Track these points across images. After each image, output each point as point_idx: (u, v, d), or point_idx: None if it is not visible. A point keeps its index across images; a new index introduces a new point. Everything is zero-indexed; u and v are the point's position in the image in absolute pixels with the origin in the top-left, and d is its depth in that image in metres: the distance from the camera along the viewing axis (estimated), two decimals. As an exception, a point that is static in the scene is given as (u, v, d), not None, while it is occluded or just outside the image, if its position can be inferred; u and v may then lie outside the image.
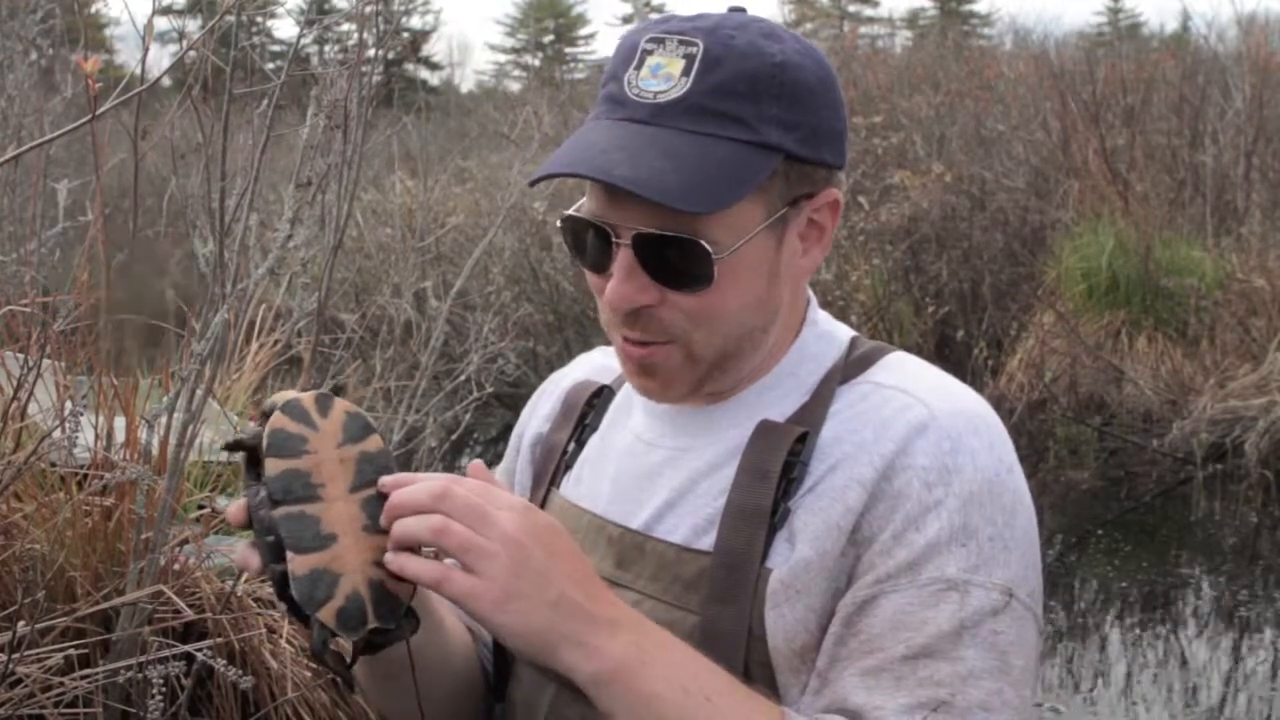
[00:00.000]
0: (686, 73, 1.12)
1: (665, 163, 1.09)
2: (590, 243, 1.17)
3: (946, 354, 8.91)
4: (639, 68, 1.14)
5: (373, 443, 1.07)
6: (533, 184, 1.21)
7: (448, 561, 1.04)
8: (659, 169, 1.09)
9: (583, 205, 1.18)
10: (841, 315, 8.10)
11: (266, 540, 1.04)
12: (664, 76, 1.13)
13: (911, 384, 1.18)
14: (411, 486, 1.04)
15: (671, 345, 1.17)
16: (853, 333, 1.27)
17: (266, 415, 1.09)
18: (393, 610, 1.05)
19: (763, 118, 1.12)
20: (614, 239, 1.14)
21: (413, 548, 1.03)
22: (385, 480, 1.05)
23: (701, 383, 1.20)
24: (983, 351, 8.65)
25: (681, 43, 1.13)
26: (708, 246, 1.11)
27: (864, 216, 9.11)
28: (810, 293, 1.27)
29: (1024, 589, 1.11)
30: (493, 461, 1.34)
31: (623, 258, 1.13)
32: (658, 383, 1.19)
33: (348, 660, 1.09)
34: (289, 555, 1.03)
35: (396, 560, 1.02)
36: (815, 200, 1.19)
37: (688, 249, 1.12)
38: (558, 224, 1.21)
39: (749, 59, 1.12)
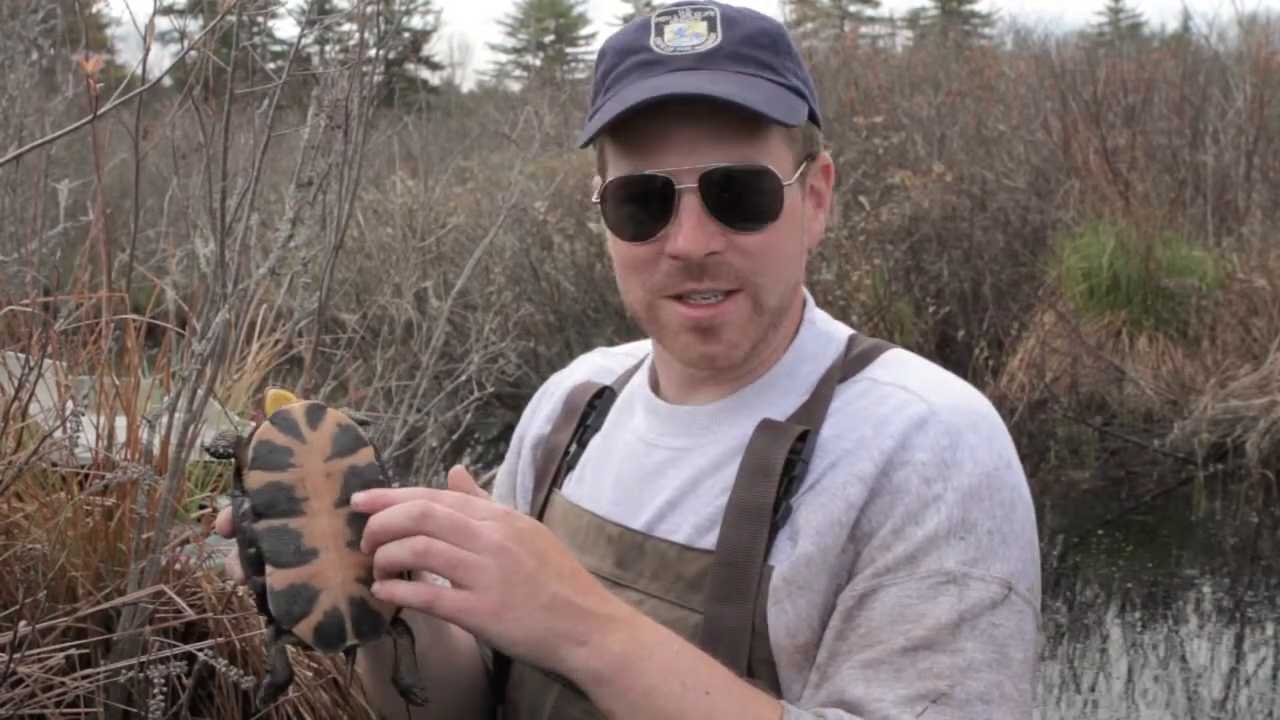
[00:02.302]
0: (713, 30, 1.17)
1: (733, 87, 1.13)
2: (640, 206, 1.16)
3: (947, 354, 8.91)
4: (660, 34, 1.18)
5: (362, 456, 1.05)
6: (586, 142, 1.19)
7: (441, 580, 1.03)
8: (737, 90, 1.12)
9: (616, 176, 1.18)
10: (842, 315, 8.10)
11: (249, 552, 1.03)
12: (693, 34, 1.17)
13: (910, 380, 1.18)
14: (389, 510, 1.01)
15: (740, 295, 1.17)
16: (850, 331, 1.28)
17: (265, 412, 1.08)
18: (374, 626, 1.03)
19: (786, 68, 1.18)
20: (677, 185, 1.14)
21: (399, 572, 1.02)
22: (358, 498, 1.03)
23: (758, 343, 1.20)
24: (983, 351, 8.65)
25: (696, 9, 1.18)
26: (778, 172, 1.14)
27: (865, 216, 9.12)
28: (807, 293, 1.29)
29: (1023, 583, 1.11)
30: (493, 462, 1.34)
31: (689, 204, 1.14)
32: (724, 344, 1.18)
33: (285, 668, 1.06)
34: (268, 569, 1.02)
35: (385, 588, 1.01)
36: (816, 163, 1.23)
37: (758, 180, 1.14)
38: (595, 199, 1.21)
39: (758, 20, 1.19)
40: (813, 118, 1.21)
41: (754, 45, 1.17)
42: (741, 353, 1.20)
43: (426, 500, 1.02)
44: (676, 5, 1.18)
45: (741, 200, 1.14)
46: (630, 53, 1.18)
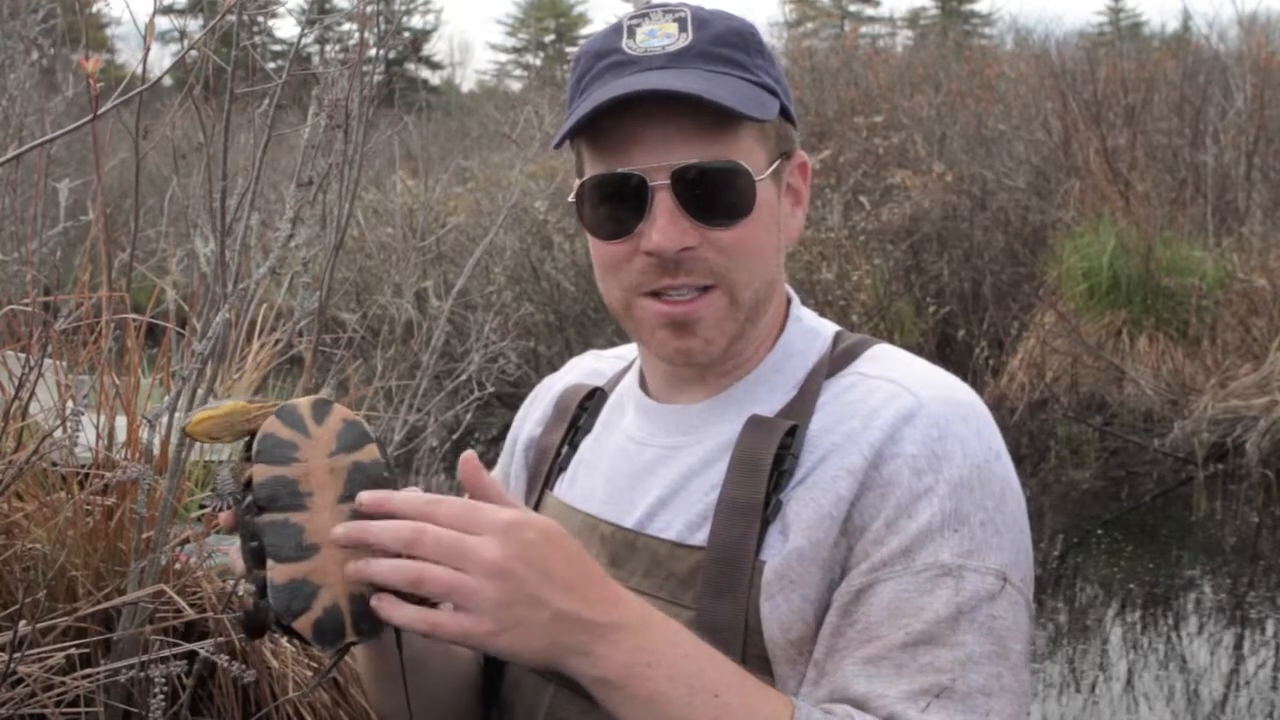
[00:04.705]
0: (683, 30, 1.18)
1: (703, 84, 1.14)
2: (614, 204, 1.17)
3: (948, 353, 8.92)
4: (632, 36, 1.19)
5: (367, 453, 1.04)
6: (559, 143, 1.20)
7: None
8: (704, 87, 1.13)
9: (591, 175, 1.19)
10: (842, 315, 8.11)
11: (250, 546, 1.03)
12: (664, 35, 1.18)
13: (897, 373, 1.19)
14: (381, 528, 1.00)
15: (715, 291, 1.17)
16: (836, 327, 1.29)
17: (192, 436, 1.07)
18: (374, 624, 1.03)
19: (757, 66, 1.19)
20: (650, 183, 1.14)
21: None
22: (364, 498, 1.02)
23: (735, 339, 1.20)
24: (984, 351, 8.66)
25: (667, 12, 1.19)
26: (749, 168, 1.15)
27: (865, 216, 9.12)
28: (792, 291, 1.29)
29: (1016, 573, 1.12)
30: (492, 462, 1.34)
31: (662, 201, 1.14)
32: (700, 340, 1.19)
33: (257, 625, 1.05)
34: (269, 563, 1.01)
35: (384, 607, 1.01)
36: (792, 161, 1.24)
37: (730, 177, 1.15)
38: (571, 199, 1.22)
39: (730, 20, 1.20)
40: (788, 117, 1.22)
41: (724, 44, 1.18)
42: (718, 348, 1.20)
43: (420, 521, 1.00)
44: (648, 8, 1.20)
45: (714, 196, 1.15)
46: (603, 55, 1.19)
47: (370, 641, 1.05)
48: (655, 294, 1.18)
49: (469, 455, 1.06)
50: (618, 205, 1.17)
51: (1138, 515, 7.12)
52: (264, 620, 1.03)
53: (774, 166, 1.19)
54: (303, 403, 1.06)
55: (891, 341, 1.29)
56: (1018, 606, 1.11)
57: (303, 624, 1.01)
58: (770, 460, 1.15)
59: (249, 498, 1.03)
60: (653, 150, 1.14)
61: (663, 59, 1.17)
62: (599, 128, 1.16)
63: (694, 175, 1.14)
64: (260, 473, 1.03)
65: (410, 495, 1.02)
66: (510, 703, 1.29)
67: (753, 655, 1.13)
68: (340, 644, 1.03)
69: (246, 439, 1.07)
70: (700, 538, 1.17)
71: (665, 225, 1.14)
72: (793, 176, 1.24)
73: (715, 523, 1.16)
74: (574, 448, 1.36)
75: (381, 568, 1.00)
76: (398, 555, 1.01)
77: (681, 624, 1.10)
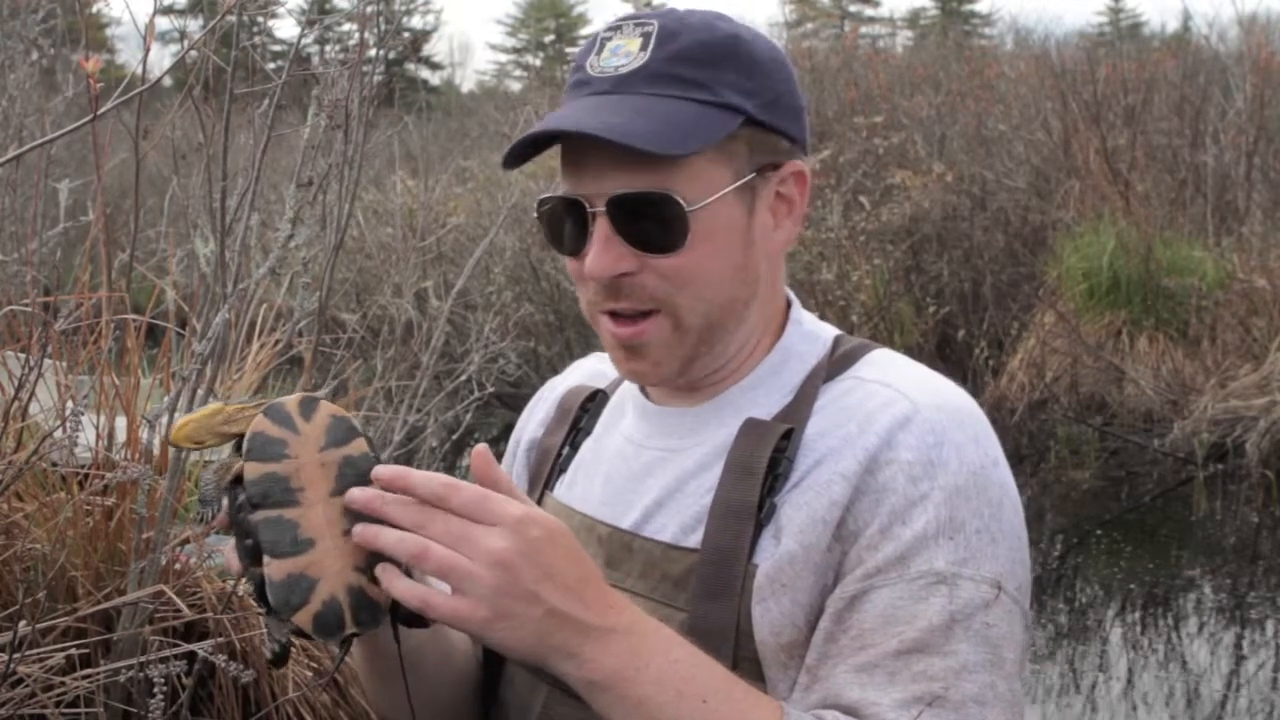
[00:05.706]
0: (644, 47, 1.17)
1: (632, 116, 1.13)
2: (567, 224, 1.19)
3: (947, 354, 8.91)
4: (599, 53, 1.19)
5: (356, 447, 1.05)
6: (507, 165, 1.22)
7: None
8: (625, 121, 1.13)
9: (541, 198, 1.22)
10: (842, 315, 8.10)
11: (245, 544, 1.04)
12: (623, 54, 1.18)
13: (895, 378, 1.18)
14: (395, 506, 1.02)
15: (658, 316, 1.18)
16: (836, 331, 1.28)
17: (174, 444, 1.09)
18: (373, 615, 1.04)
19: (721, 82, 1.17)
20: (589, 208, 1.16)
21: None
22: (380, 471, 1.03)
23: (690, 361, 1.21)
24: (984, 351, 8.66)
25: (638, 25, 1.19)
26: (679, 198, 1.14)
27: (865, 216, 9.12)
28: (792, 294, 1.29)
29: (1012, 582, 1.12)
30: (492, 463, 1.33)
31: (599, 227, 1.16)
32: (648, 363, 1.20)
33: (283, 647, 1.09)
34: (265, 560, 1.02)
35: (385, 577, 1.02)
36: (780, 171, 1.21)
37: (661, 206, 1.14)
38: (534, 215, 1.24)
39: (704, 31, 1.18)
40: (773, 128, 1.19)
41: (683, 61, 1.16)
42: (670, 370, 1.21)
43: (444, 492, 1.02)
44: (623, 19, 1.20)
45: (648, 226, 1.15)
46: (575, 70, 1.22)
47: (370, 633, 1.06)
48: (610, 313, 1.20)
49: (482, 448, 1.06)
50: (569, 226, 1.19)
51: (1138, 515, 7.12)
52: (287, 654, 1.06)
53: (743, 181, 1.18)
54: (289, 400, 1.07)
55: (891, 342, 1.29)
56: (1012, 615, 1.11)
57: (303, 617, 1.02)
58: (765, 463, 1.15)
59: (241, 496, 1.04)
60: (594, 176, 1.16)
61: (610, 82, 1.17)
62: (567, 146, 1.18)
63: (628, 204, 1.15)
64: (251, 470, 1.04)
65: (428, 476, 1.03)
66: (506, 701, 1.30)
67: (744, 658, 1.13)
68: (340, 635, 1.04)
69: (235, 441, 1.08)
70: (694, 540, 1.17)
71: (599, 252, 1.16)
72: (783, 185, 1.22)
73: (709, 525, 1.16)
74: (574, 449, 1.36)
75: (389, 537, 1.01)
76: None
77: (674, 627, 1.10)
